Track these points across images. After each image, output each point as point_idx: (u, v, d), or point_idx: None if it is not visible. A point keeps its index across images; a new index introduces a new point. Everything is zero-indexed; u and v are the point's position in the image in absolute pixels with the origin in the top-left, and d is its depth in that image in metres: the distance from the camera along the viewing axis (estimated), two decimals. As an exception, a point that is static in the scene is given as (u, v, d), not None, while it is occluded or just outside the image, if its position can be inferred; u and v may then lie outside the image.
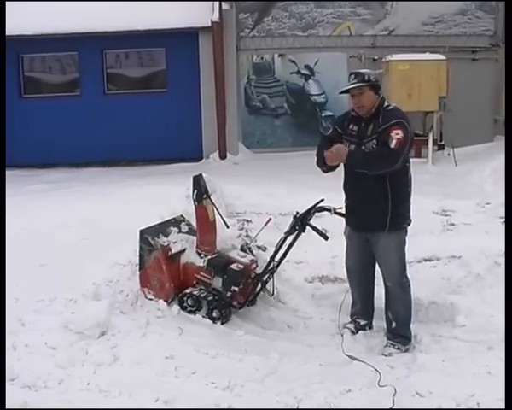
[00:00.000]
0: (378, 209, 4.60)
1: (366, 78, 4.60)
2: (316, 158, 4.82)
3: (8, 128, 10.98)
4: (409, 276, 4.84)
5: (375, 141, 4.53)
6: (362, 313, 5.06)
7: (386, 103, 4.65)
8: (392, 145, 4.39)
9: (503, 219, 6.86)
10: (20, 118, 11.86)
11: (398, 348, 4.70)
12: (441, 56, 11.29)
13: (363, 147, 4.59)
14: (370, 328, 5.07)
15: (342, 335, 4.91)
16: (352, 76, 4.65)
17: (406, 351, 4.71)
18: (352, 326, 5.02)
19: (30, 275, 5.47)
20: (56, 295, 5.11)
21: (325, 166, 4.74)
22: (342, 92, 4.72)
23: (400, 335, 4.77)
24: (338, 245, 5.33)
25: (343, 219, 4.96)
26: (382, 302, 4.94)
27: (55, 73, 13.52)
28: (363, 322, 5.04)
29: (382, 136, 4.47)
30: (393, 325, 4.79)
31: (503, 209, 7.03)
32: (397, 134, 4.41)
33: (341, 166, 4.73)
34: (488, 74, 12.55)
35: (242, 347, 4.73)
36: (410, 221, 4.76)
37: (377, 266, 4.88)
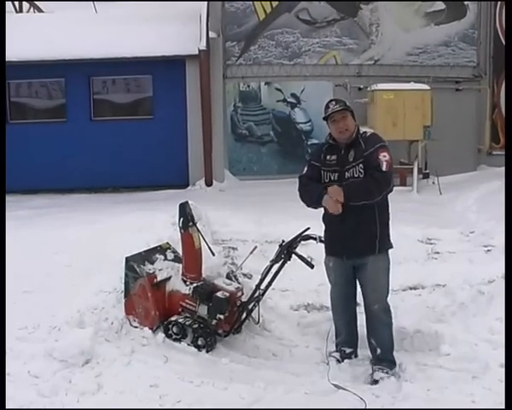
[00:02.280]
0: (368, 233, 4.66)
1: (347, 103, 4.79)
2: (306, 199, 4.83)
3: (-6, 153, 10.94)
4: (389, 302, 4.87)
5: (361, 166, 4.61)
6: (347, 342, 5.05)
7: (361, 130, 4.80)
8: (384, 168, 4.55)
9: (487, 248, 6.93)
10: (6, 143, 11.80)
11: (387, 372, 4.68)
12: (425, 86, 11.43)
13: (346, 173, 4.65)
14: (356, 356, 5.06)
15: (328, 363, 4.89)
16: (333, 102, 4.74)
17: (393, 375, 4.70)
18: (337, 355, 5.01)
19: (13, 302, 5.42)
20: (40, 323, 5.07)
21: (319, 206, 4.77)
22: (325, 118, 4.76)
23: (386, 360, 4.77)
24: (323, 273, 5.33)
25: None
26: (358, 329, 4.96)
27: (42, 98, 13.51)
28: (348, 350, 5.03)
29: (370, 159, 4.58)
30: (378, 351, 4.78)
31: (486, 238, 7.12)
32: (384, 156, 4.58)
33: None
34: (471, 104, 12.72)
35: (227, 375, 4.70)
36: (392, 245, 4.84)
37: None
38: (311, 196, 4.77)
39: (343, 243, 4.76)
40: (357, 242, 4.69)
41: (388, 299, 4.85)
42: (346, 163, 4.69)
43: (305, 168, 4.93)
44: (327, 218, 4.84)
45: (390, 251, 4.84)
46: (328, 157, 4.79)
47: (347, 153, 4.70)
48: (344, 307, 5.01)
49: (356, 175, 4.64)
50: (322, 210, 4.86)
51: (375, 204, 4.63)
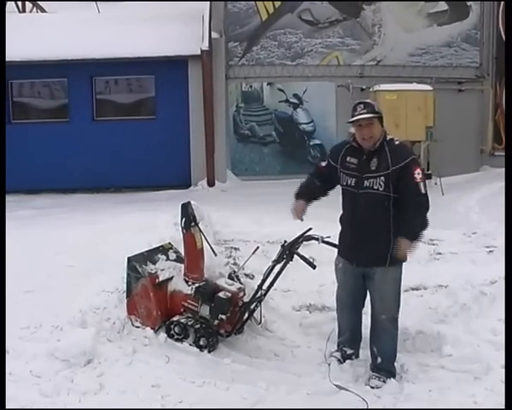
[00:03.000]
0: (380, 245, 4.52)
1: (376, 108, 4.53)
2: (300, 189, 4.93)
3: (-4, 153, 10.96)
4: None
5: (383, 178, 4.42)
6: (349, 342, 5.00)
7: (388, 136, 4.56)
8: (423, 190, 4.43)
9: (489, 249, 6.92)
10: (9, 143, 11.81)
11: (384, 381, 4.62)
12: (428, 87, 11.43)
13: (365, 182, 4.49)
14: (357, 357, 5.01)
15: (329, 364, 4.88)
16: (362, 106, 4.48)
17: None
18: (338, 355, 4.96)
19: (15, 302, 5.42)
20: (42, 323, 5.07)
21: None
22: (351, 122, 4.54)
23: (385, 369, 4.70)
24: (326, 274, 5.34)
25: (331, 248, 4.93)
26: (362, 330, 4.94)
27: (44, 98, 13.54)
28: (349, 351, 4.98)
29: (403, 178, 4.40)
30: (379, 360, 4.70)
31: (488, 239, 7.11)
32: (419, 174, 4.44)
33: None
34: (474, 105, 12.72)
35: (229, 375, 4.70)
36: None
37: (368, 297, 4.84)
38: (297, 192, 4.96)
39: (354, 250, 4.68)
40: (368, 252, 4.57)
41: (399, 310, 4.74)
42: (366, 170, 4.50)
43: (325, 161, 4.86)
44: (343, 220, 4.77)
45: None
46: (348, 158, 4.61)
47: (370, 160, 4.50)
48: (350, 309, 4.93)
49: (375, 187, 4.45)
50: (329, 208, 4.85)
51: (391, 215, 4.48)
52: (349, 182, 4.59)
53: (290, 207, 4.90)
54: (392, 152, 4.47)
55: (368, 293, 4.81)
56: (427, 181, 11.12)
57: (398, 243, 4.41)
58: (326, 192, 4.92)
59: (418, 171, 4.45)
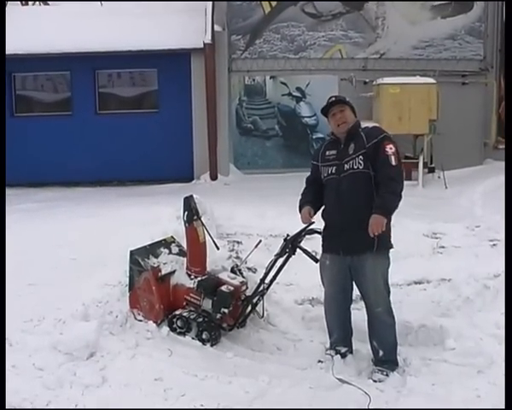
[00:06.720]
0: (366, 230, 4.47)
1: (346, 99, 4.82)
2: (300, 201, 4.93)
3: (-1, 147, 10.96)
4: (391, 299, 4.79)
5: (361, 157, 4.56)
6: (341, 341, 4.94)
7: (363, 125, 4.79)
8: (393, 162, 4.49)
9: (493, 242, 6.91)
10: (11, 136, 11.83)
11: (387, 374, 4.61)
12: (431, 80, 11.40)
13: (345, 165, 4.61)
14: (351, 353, 4.95)
15: (332, 357, 4.87)
16: (333, 98, 4.80)
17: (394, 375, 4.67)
18: (333, 352, 4.90)
19: (18, 295, 5.44)
20: (45, 316, 5.08)
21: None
22: (323, 111, 4.79)
23: (388, 361, 4.70)
24: (328, 267, 5.30)
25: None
26: (362, 324, 4.91)
27: (47, 92, 13.55)
28: (343, 350, 4.90)
29: (375, 152, 4.52)
30: (381, 353, 4.70)
31: (491, 232, 7.10)
32: (391, 148, 4.52)
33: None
34: (477, 98, 12.69)
35: (232, 369, 4.69)
36: (392, 245, 4.71)
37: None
38: (299, 205, 4.92)
39: (340, 238, 4.66)
40: (355, 237, 4.56)
41: (390, 298, 4.76)
42: (345, 156, 4.64)
43: (310, 171, 5.01)
44: (326, 213, 4.79)
45: (392, 249, 4.72)
46: (327, 153, 4.79)
47: (347, 146, 4.66)
48: (339, 307, 4.89)
49: (355, 167, 4.58)
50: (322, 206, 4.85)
51: (374, 196, 4.52)
52: (330, 171, 4.72)
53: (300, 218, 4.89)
54: (367, 133, 4.66)
55: (356, 287, 4.80)
56: (430, 175, 11.24)
57: (371, 219, 4.44)
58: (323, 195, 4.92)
59: (390, 146, 4.55)
